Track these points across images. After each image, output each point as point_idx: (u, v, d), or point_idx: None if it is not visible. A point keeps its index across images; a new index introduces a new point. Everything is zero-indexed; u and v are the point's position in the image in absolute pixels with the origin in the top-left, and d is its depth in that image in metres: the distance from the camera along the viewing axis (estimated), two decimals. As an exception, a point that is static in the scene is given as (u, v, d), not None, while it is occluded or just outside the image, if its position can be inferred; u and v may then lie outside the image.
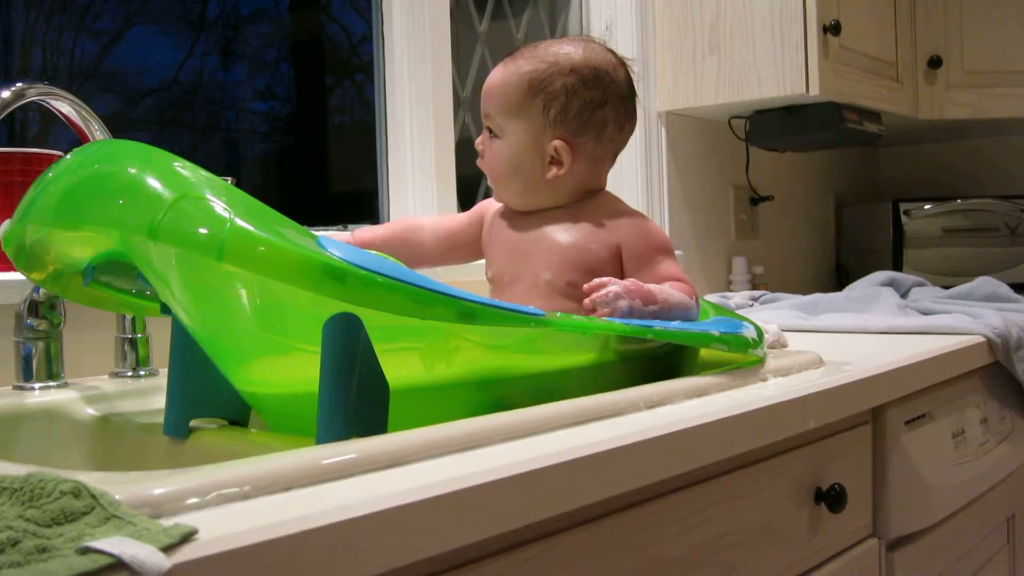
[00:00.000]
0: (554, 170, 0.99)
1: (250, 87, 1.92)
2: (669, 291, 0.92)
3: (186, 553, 0.41)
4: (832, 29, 1.80)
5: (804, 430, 0.89)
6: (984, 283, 1.66)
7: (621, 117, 1.01)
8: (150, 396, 0.95)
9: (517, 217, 1.03)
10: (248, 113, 1.91)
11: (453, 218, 1.11)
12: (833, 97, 1.86)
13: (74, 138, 0.96)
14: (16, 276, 0.95)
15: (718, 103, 1.91)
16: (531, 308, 0.75)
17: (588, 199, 1.02)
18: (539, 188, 1.00)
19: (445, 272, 1.22)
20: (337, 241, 0.64)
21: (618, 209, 1.02)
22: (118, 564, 0.39)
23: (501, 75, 1.01)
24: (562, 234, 0.98)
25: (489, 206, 1.08)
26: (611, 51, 1.04)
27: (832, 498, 0.94)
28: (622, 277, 0.94)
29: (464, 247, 1.09)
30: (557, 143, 0.98)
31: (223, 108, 1.87)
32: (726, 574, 0.81)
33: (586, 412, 0.72)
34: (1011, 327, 1.36)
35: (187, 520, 0.44)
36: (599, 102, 0.99)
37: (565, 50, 1.01)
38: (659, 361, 0.92)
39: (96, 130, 0.95)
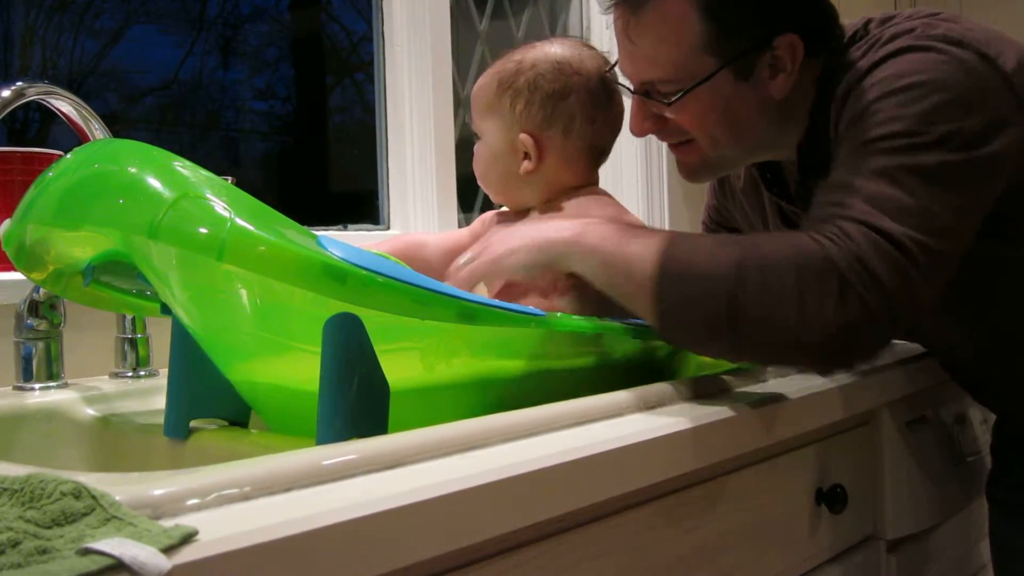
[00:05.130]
0: (525, 164, 1.00)
1: (250, 86, 1.92)
2: None
3: (187, 554, 0.41)
4: (832, 29, 1.80)
5: (804, 431, 0.89)
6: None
7: (590, 109, 1.00)
8: (150, 396, 0.95)
9: (509, 221, 1.04)
10: (248, 112, 1.91)
11: (456, 233, 1.12)
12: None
13: (74, 137, 0.96)
14: (16, 276, 0.95)
15: (718, 103, 1.90)
16: (531, 308, 0.75)
17: (570, 197, 1.01)
18: (516, 185, 1.02)
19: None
20: (337, 241, 0.64)
21: (593, 206, 1.00)
22: (119, 565, 0.39)
23: (479, 80, 1.05)
24: None
25: (489, 216, 1.09)
26: (587, 46, 1.04)
27: (833, 499, 0.94)
28: None
29: None
30: (523, 137, 0.99)
31: (223, 107, 1.87)
32: (726, 575, 0.81)
33: (586, 412, 0.72)
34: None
35: (187, 521, 0.44)
36: (561, 94, 0.99)
37: (536, 48, 1.02)
38: (659, 362, 0.92)
39: (96, 129, 0.95)
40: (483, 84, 1.04)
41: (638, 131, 1.01)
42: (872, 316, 0.76)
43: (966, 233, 0.85)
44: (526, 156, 1.00)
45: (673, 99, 0.94)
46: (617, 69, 1.01)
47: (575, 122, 0.99)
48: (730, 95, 0.94)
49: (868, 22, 0.97)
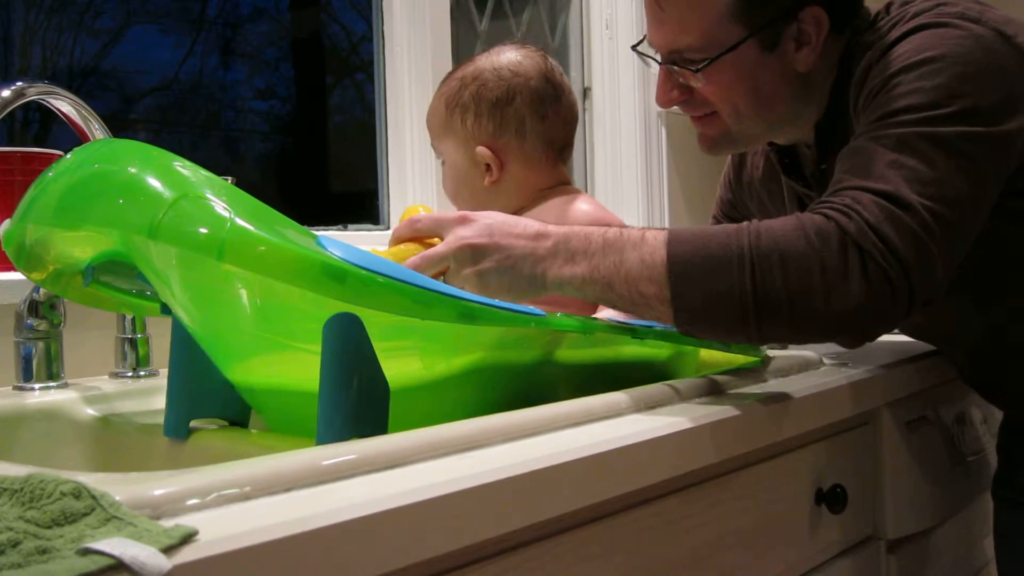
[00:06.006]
0: (487, 177, 1.01)
1: (250, 86, 1.92)
2: None
3: (187, 554, 0.41)
4: (832, 29, 1.80)
5: (804, 431, 0.89)
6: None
7: (537, 107, 1.02)
8: (150, 396, 0.95)
9: None
10: (248, 112, 1.91)
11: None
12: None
13: (74, 137, 0.96)
14: (16, 276, 0.95)
15: (718, 103, 1.90)
16: (531, 308, 0.75)
17: (546, 198, 1.02)
18: (487, 197, 1.03)
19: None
20: (337, 241, 0.64)
21: (562, 201, 1.02)
22: (119, 565, 0.39)
23: (430, 105, 1.06)
24: None
25: None
26: (525, 47, 1.05)
27: (833, 499, 0.94)
28: None
29: None
30: (480, 150, 1.00)
31: (223, 107, 1.87)
32: (726, 575, 0.81)
33: (586, 412, 0.72)
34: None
35: (187, 521, 0.44)
36: (506, 99, 1.01)
37: (475, 62, 1.04)
38: (660, 362, 0.92)
39: (96, 129, 0.95)
40: (432, 108, 1.05)
41: (664, 101, 1.01)
42: (894, 288, 0.76)
43: (983, 208, 0.85)
44: (488, 168, 1.01)
45: (700, 66, 0.94)
46: (646, 43, 1.01)
47: (526, 123, 1.01)
48: (755, 66, 0.95)
49: (890, 4, 0.98)
